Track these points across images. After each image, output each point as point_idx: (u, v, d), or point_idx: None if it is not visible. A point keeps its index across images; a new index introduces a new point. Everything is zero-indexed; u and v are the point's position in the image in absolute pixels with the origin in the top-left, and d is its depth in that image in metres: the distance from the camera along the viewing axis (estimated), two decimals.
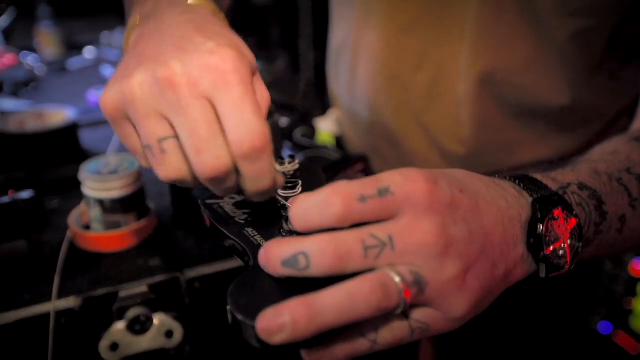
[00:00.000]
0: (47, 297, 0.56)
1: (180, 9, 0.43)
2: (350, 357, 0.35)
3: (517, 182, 0.41)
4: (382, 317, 0.35)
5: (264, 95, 0.40)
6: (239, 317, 0.32)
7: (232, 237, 0.40)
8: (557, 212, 0.39)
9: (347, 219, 0.33)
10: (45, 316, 0.55)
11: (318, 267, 0.32)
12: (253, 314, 0.31)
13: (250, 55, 0.40)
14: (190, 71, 0.36)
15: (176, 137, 0.37)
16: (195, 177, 0.38)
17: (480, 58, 0.68)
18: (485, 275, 0.36)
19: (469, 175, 0.39)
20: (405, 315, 0.35)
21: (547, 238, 0.39)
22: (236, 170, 0.38)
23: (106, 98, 0.38)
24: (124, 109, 0.38)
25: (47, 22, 1.62)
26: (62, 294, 0.57)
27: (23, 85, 1.31)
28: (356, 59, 0.84)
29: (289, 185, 0.44)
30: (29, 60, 1.48)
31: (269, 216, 0.42)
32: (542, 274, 0.39)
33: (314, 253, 0.32)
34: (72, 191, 0.75)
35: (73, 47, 1.67)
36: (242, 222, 0.42)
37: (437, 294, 0.34)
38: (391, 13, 0.76)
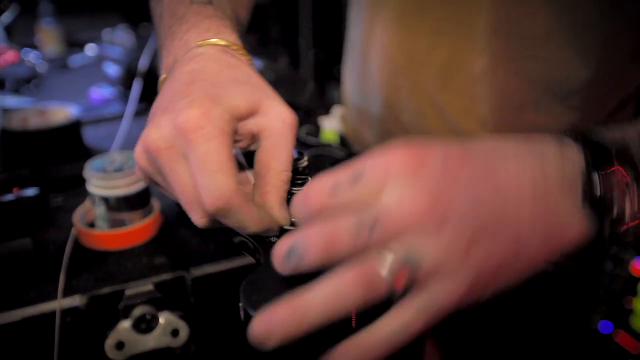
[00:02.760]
0: (52, 296, 0.56)
1: (189, 58, 0.45)
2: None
3: (566, 136, 0.37)
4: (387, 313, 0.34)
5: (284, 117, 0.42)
6: (252, 313, 0.32)
7: (242, 234, 0.40)
8: (615, 168, 0.35)
9: (322, 213, 0.33)
10: (51, 314, 0.55)
11: (309, 257, 0.32)
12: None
13: (233, 95, 0.40)
14: (165, 134, 0.38)
15: None
16: None
17: (499, 31, 0.67)
18: (503, 245, 0.32)
19: (489, 139, 0.36)
20: (410, 301, 0.33)
21: (605, 192, 0.34)
22: None
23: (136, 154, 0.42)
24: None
25: (49, 19, 1.61)
26: (67, 292, 0.56)
27: (25, 82, 1.31)
28: (368, 45, 0.84)
29: (299, 182, 0.44)
30: (31, 57, 1.47)
31: None
32: (607, 230, 0.35)
33: (303, 244, 0.32)
34: (76, 189, 0.75)
35: (74, 44, 1.67)
36: None
37: (435, 271, 0.31)
38: None
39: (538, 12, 0.65)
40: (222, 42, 0.46)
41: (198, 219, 0.38)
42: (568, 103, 0.70)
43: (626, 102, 0.74)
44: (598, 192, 0.34)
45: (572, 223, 0.34)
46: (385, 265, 0.31)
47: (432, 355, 0.85)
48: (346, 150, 0.87)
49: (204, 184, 0.36)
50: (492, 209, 0.32)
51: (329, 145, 0.85)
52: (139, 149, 0.40)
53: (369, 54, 0.84)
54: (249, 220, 0.38)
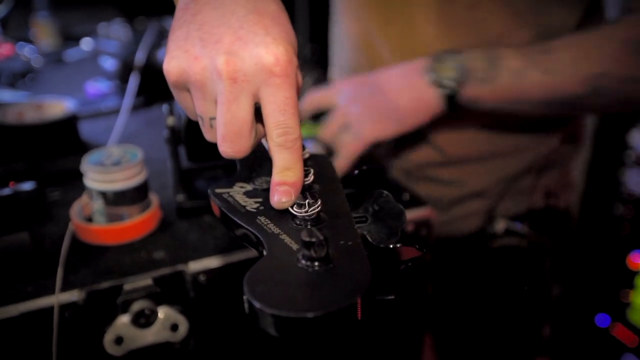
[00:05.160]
0: (50, 290, 0.55)
1: None
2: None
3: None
4: None
5: (299, 80, 0.46)
6: (256, 304, 0.31)
7: (245, 226, 0.39)
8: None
9: None
10: (49, 309, 0.54)
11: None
12: (269, 301, 0.31)
13: (294, 40, 0.44)
14: (246, 68, 0.40)
15: None
16: None
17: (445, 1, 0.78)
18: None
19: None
20: None
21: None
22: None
23: (171, 68, 0.43)
24: (185, 82, 0.43)
25: (44, 12, 1.60)
26: (65, 287, 0.56)
27: (20, 76, 1.30)
28: (341, 31, 0.95)
29: None
30: (26, 51, 1.46)
31: None
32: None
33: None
34: (73, 183, 0.74)
35: (70, 38, 1.65)
36: (254, 210, 0.41)
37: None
38: None
39: None
40: None
41: (231, 149, 0.42)
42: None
43: None
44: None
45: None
46: None
47: (430, 350, 0.85)
48: None
49: (282, 123, 0.41)
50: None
51: None
52: (210, 68, 0.41)
53: (340, 39, 0.96)
54: (298, 161, 0.43)
